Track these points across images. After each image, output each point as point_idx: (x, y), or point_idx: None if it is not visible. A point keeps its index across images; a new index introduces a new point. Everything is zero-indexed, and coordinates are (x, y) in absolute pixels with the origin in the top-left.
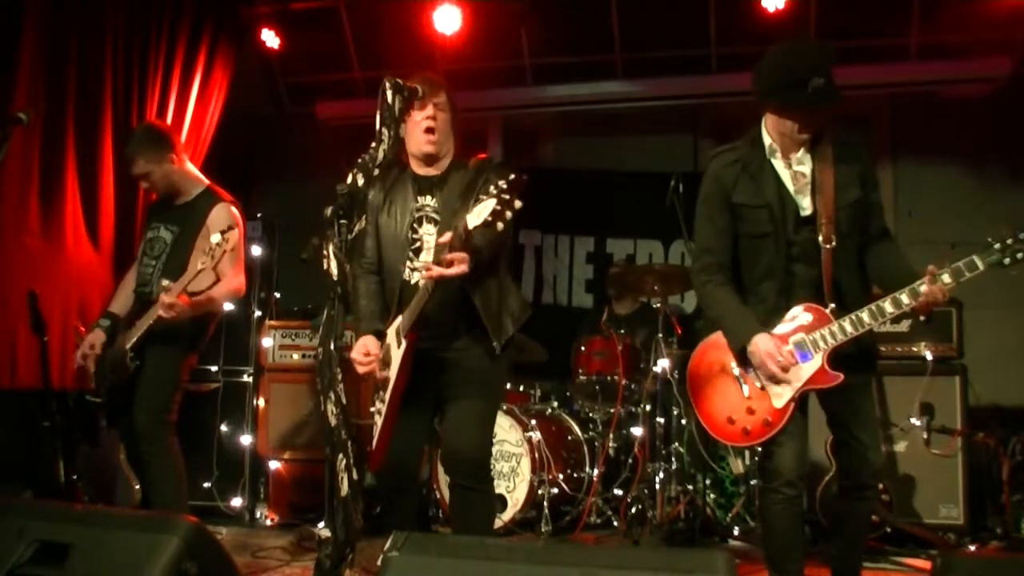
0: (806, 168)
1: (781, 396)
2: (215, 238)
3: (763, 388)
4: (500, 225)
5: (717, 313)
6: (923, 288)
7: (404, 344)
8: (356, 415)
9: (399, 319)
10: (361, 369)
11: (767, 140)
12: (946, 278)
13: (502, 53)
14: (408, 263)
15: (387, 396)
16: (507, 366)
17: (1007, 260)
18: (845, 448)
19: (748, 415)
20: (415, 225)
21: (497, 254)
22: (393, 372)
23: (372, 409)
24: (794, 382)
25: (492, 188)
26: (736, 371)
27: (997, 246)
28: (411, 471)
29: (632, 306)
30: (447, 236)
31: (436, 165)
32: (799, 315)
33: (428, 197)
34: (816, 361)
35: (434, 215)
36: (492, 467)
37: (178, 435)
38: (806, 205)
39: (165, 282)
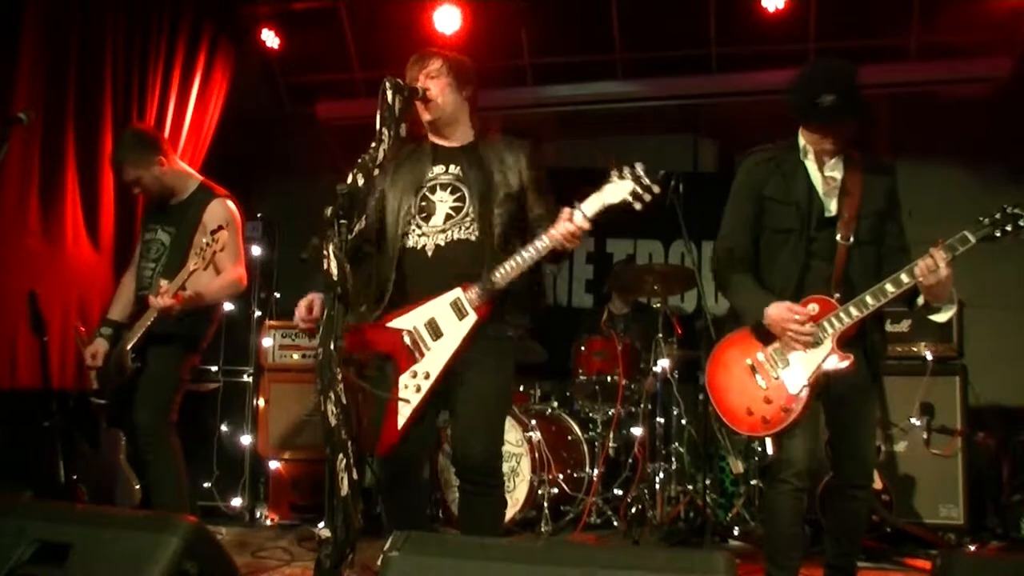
0: (838, 174)
1: (796, 382)
2: (205, 239)
3: (778, 378)
4: (638, 206)
5: (734, 294)
6: (919, 263)
7: (473, 318)
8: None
9: (456, 290)
10: (303, 326)
11: (802, 143)
12: (941, 252)
13: (502, 53)
14: (416, 229)
15: (435, 373)
16: (514, 358)
17: (997, 233)
18: (841, 447)
19: (766, 404)
20: (427, 193)
21: None
22: (449, 347)
23: (406, 384)
24: (807, 368)
25: (626, 170)
26: (751, 363)
27: (986, 221)
28: (417, 456)
29: (630, 306)
30: (568, 211)
31: (455, 136)
32: (806, 306)
33: (449, 167)
34: (826, 346)
35: (456, 183)
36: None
37: (178, 435)
38: (832, 207)
39: (163, 282)
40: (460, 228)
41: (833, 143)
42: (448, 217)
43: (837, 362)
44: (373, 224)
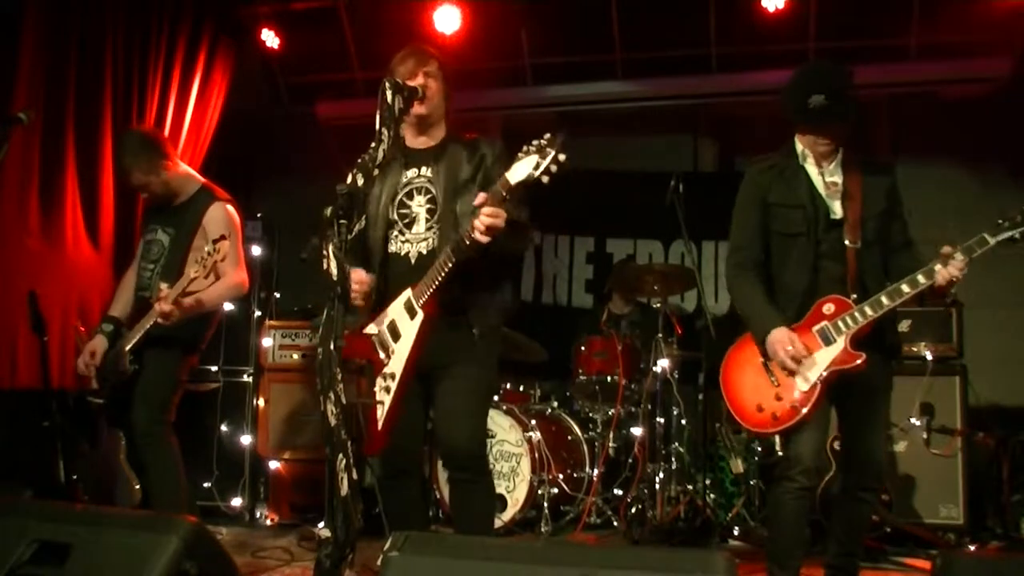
0: (838, 179)
1: (806, 380)
2: (207, 247)
3: (790, 375)
4: (546, 179)
5: (745, 307)
6: (937, 267)
7: (421, 316)
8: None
9: (407, 291)
10: (355, 296)
11: (799, 147)
12: (959, 255)
13: (502, 53)
14: (399, 236)
15: (399, 373)
16: (494, 353)
17: (1016, 235)
18: (853, 448)
19: (776, 401)
20: (404, 199)
21: (523, 240)
22: (406, 347)
23: (376, 388)
24: (818, 366)
25: (532, 144)
26: (764, 361)
27: (1005, 223)
28: (413, 453)
29: (630, 306)
30: (482, 196)
31: (429, 135)
32: (823, 306)
33: (420, 169)
34: (839, 344)
35: (428, 185)
36: (490, 461)
37: (178, 435)
38: (837, 209)
39: (163, 286)
40: (437, 236)
41: (827, 144)
42: (427, 222)
43: (849, 361)
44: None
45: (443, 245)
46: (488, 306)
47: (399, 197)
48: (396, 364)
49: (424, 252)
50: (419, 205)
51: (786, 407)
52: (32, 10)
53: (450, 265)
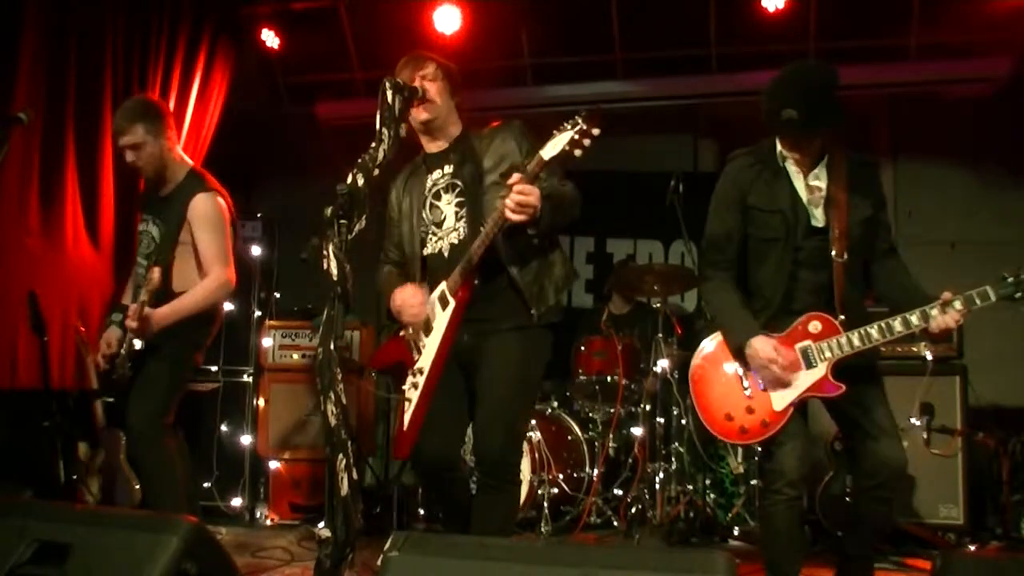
0: (822, 183)
1: (782, 399)
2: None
3: (765, 389)
4: (578, 153)
5: (717, 311)
6: (934, 312)
7: (453, 304)
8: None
9: (442, 284)
10: (410, 313)
11: (779, 147)
12: (958, 305)
13: (502, 53)
14: (432, 236)
15: (428, 367)
16: (546, 341)
17: (1018, 295)
18: (861, 450)
19: (747, 414)
20: (433, 201)
21: (569, 212)
22: (436, 339)
23: (404, 387)
24: (796, 387)
25: (568, 121)
26: (740, 371)
27: (1011, 280)
28: (454, 451)
29: (630, 306)
30: (516, 175)
31: (444, 137)
32: (809, 323)
33: (444, 168)
34: (820, 370)
35: (453, 181)
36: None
37: (177, 436)
38: (819, 216)
39: (131, 307)
40: (466, 225)
41: (800, 154)
42: (456, 215)
43: (827, 390)
44: (399, 244)
45: (473, 233)
46: (544, 284)
47: (428, 201)
48: (425, 359)
49: (456, 242)
50: (448, 203)
51: (756, 422)
52: (32, 10)
53: (481, 248)
